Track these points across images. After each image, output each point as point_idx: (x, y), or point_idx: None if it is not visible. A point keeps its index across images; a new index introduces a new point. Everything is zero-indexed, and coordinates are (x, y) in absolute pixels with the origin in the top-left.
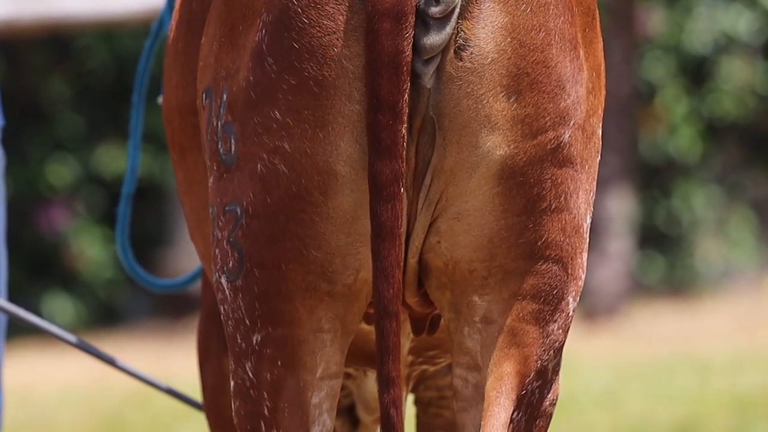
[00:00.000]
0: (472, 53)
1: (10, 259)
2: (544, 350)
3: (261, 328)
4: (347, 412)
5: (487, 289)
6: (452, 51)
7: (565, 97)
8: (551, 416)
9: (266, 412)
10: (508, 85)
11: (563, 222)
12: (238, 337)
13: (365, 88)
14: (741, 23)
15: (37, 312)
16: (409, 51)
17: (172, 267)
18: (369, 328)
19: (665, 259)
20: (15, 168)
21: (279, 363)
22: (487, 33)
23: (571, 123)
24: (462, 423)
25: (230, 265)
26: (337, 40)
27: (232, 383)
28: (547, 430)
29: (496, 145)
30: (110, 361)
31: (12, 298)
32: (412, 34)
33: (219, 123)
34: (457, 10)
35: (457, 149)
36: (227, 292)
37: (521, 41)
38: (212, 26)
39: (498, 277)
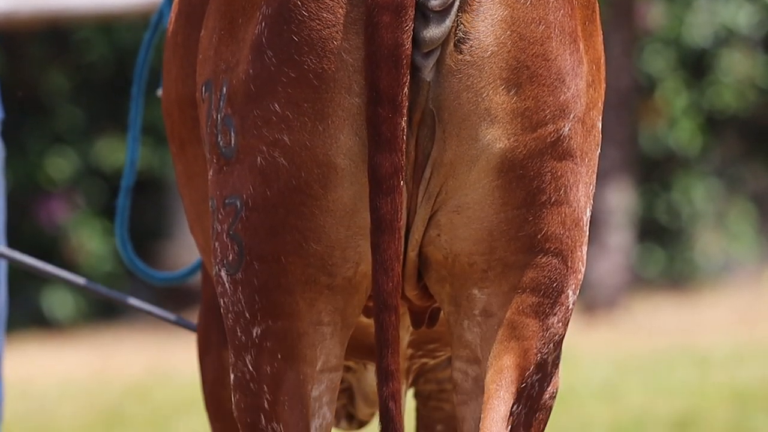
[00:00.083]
0: (471, 46)
1: None
2: (543, 343)
3: (261, 321)
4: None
5: (486, 282)
6: (452, 44)
7: (565, 90)
8: (551, 409)
9: (266, 405)
10: (507, 78)
11: (563, 215)
12: (238, 330)
13: (365, 81)
14: (741, 16)
15: (36, 305)
16: (408, 44)
17: (171, 260)
18: (369, 321)
19: (665, 252)
20: (14, 161)
21: (279, 356)
22: (486, 26)
23: (571, 116)
24: (462, 416)
25: (230, 258)
26: (337, 32)
27: (232, 376)
28: (546, 423)
29: (496, 138)
30: (122, 299)
31: (12, 290)
32: (411, 27)
33: (219, 116)
34: (457, 3)
35: (457, 142)
36: (227, 285)
37: (521, 34)
38: (212, 19)
39: (498, 270)
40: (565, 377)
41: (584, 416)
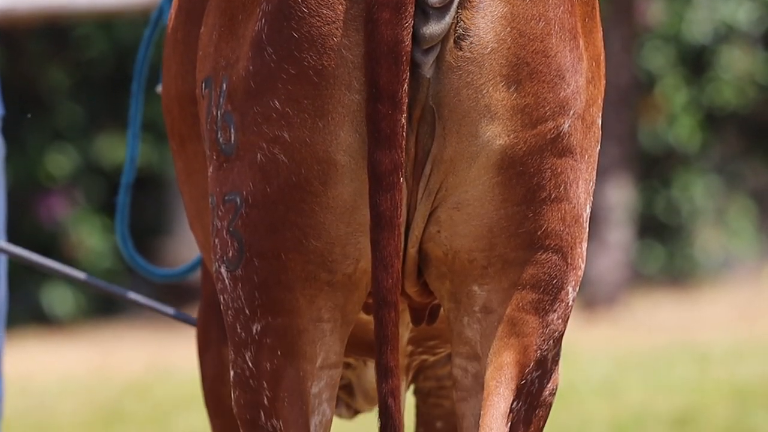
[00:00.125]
0: (471, 43)
1: None
2: (543, 340)
3: (261, 318)
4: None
5: (486, 279)
6: (452, 41)
7: (565, 86)
8: (551, 406)
9: (266, 401)
10: (507, 74)
11: (563, 212)
12: (238, 327)
13: (365, 77)
14: (741, 13)
15: (36, 302)
16: (408, 41)
17: (171, 256)
18: (369, 318)
19: (665, 248)
20: (14, 157)
21: (279, 353)
22: (486, 23)
23: (571, 113)
24: (461, 413)
25: (230, 254)
26: (337, 29)
27: (231, 373)
28: (546, 419)
29: (496, 134)
30: (122, 294)
31: (11, 286)
32: (411, 24)
33: (218, 112)
34: (457, 0)
35: (457, 139)
36: (227, 281)
37: (521, 31)
38: (212, 15)
39: (498, 266)
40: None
41: (584, 413)
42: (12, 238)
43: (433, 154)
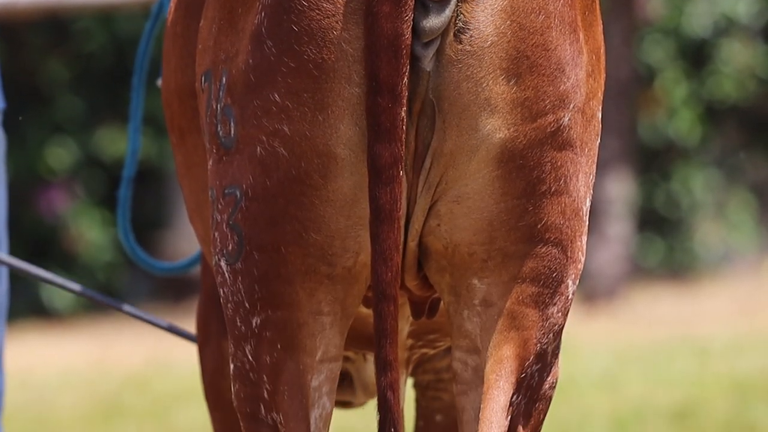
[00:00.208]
0: (471, 36)
1: (9, 242)
2: (543, 333)
3: (261, 311)
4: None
5: (486, 272)
6: (452, 34)
7: (565, 80)
8: (551, 399)
9: (266, 394)
10: (507, 68)
11: (563, 205)
12: (238, 320)
13: (365, 71)
14: (741, 6)
15: (36, 294)
16: (408, 34)
17: (171, 250)
18: (368, 312)
19: (664, 242)
20: (14, 151)
21: (279, 346)
22: (486, 16)
23: (571, 106)
24: (461, 406)
25: (230, 248)
26: (337, 22)
27: (231, 366)
28: (546, 413)
29: (496, 128)
30: (116, 306)
31: (11, 280)
32: (411, 17)
33: (218, 106)
34: None
35: (457, 132)
36: (227, 275)
37: (521, 24)
38: (211, 9)
39: (497, 260)
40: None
41: (584, 406)
42: (12, 231)
43: (433, 147)
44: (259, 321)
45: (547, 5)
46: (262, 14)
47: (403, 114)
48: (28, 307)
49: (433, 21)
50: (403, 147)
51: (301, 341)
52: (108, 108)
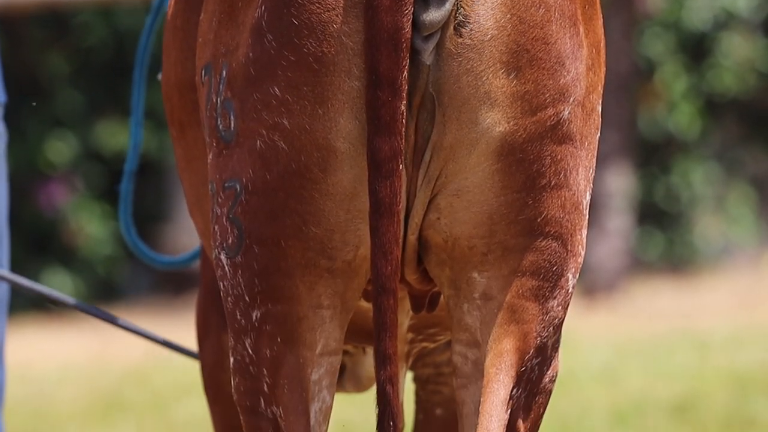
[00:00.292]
0: (471, 30)
1: (9, 236)
2: (543, 327)
3: (260, 305)
4: None
5: (486, 266)
6: (452, 27)
7: (565, 73)
8: (551, 393)
9: (266, 388)
10: (507, 61)
11: (563, 198)
12: (238, 314)
13: (365, 64)
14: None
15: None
16: (408, 27)
17: (171, 243)
18: (368, 306)
19: (664, 235)
20: (14, 144)
21: (278, 339)
22: (486, 9)
23: (571, 100)
24: (461, 399)
25: (230, 241)
26: (337, 16)
27: (231, 360)
28: (546, 406)
29: (496, 121)
30: (112, 320)
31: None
32: (411, 11)
33: (218, 99)
34: None
35: (457, 126)
36: (227, 268)
37: (521, 17)
38: (211, 2)
39: (497, 253)
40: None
41: (584, 400)
42: (12, 225)
43: (433, 140)
44: (259, 314)
45: None
46: (263, 7)
47: (402, 107)
48: (28, 301)
49: (433, 14)
50: (403, 140)
51: (301, 335)
52: (108, 102)
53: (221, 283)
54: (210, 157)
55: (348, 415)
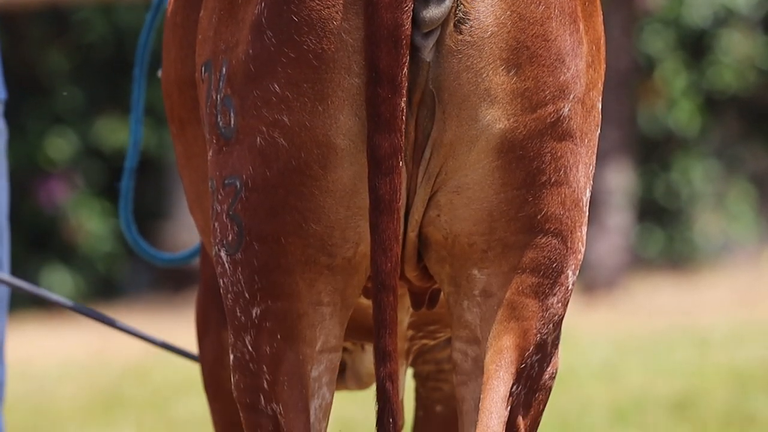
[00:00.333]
0: (471, 26)
1: (9, 233)
2: (543, 324)
3: (260, 302)
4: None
5: (486, 263)
6: (452, 24)
7: (565, 70)
8: (551, 389)
9: (266, 385)
10: (507, 58)
11: (563, 195)
12: (238, 311)
13: (364, 61)
14: None
15: (36, 285)
16: (408, 24)
17: (171, 240)
18: (368, 303)
19: (664, 232)
20: (14, 141)
21: (278, 336)
22: (486, 6)
23: (571, 96)
24: (461, 396)
25: (230, 238)
26: (337, 13)
27: (231, 356)
28: (546, 403)
29: (496, 118)
30: (110, 323)
31: (11, 271)
32: (411, 8)
33: (218, 96)
34: None
35: (457, 123)
36: (227, 265)
37: (521, 14)
38: None
39: (497, 250)
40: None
41: (584, 397)
42: (12, 222)
43: (433, 137)
44: (258, 311)
45: None
46: (262, 4)
47: (402, 104)
48: (29, 298)
49: (433, 11)
50: (403, 137)
51: (300, 332)
52: (108, 99)
53: (221, 280)
54: (210, 154)
55: (348, 413)
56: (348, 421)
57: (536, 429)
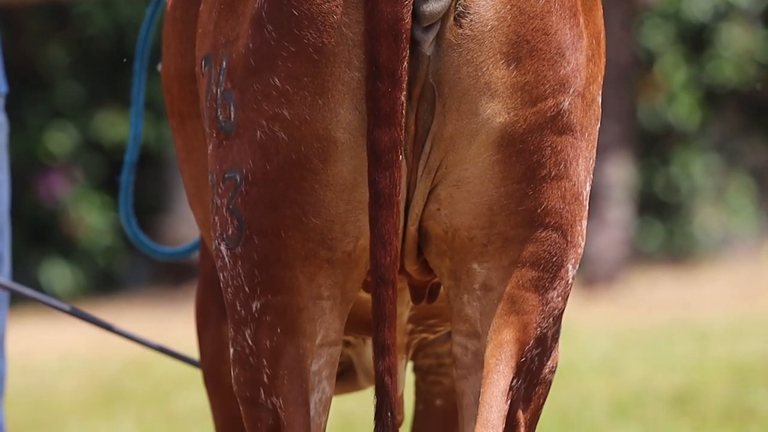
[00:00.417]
0: (471, 20)
1: (10, 227)
2: (543, 318)
3: (260, 296)
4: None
5: (486, 257)
6: (452, 18)
7: (565, 64)
8: (551, 383)
9: (266, 379)
10: (507, 52)
11: (563, 189)
12: (238, 305)
13: (365, 55)
14: None
15: (35, 279)
16: (408, 18)
17: (170, 234)
18: (368, 296)
19: (664, 226)
20: (14, 135)
21: (278, 330)
22: (486, 0)
23: (571, 90)
24: (461, 390)
25: (230, 232)
26: (337, 7)
27: (231, 350)
28: (546, 397)
29: (496, 112)
30: (108, 327)
31: (12, 265)
32: (411, 2)
33: (218, 90)
34: None
35: (457, 116)
36: (227, 259)
37: (521, 8)
38: None
39: (497, 244)
40: (564, 352)
41: (584, 391)
42: (12, 216)
43: (433, 131)
44: (258, 305)
45: None
46: None
47: (402, 98)
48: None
49: (433, 5)
50: (403, 131)
51: (300, 326)
52: (108, 92)
53: (221, 274)
54: (210, 148)
55: (348, 407)
56: (347, 415)
57: (536, 423)
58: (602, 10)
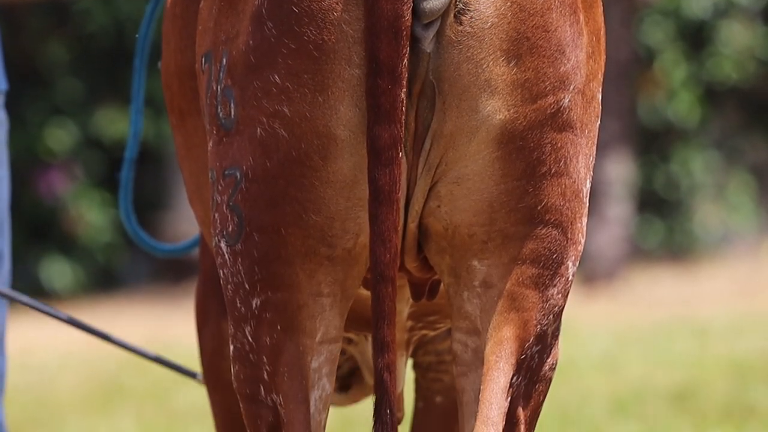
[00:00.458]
0: (472, 17)
1: (10, 224)
2: (543, 315)
3: (260, 293)
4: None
5: (486, 254)
6: (452, 15)
7: (565, 61)
8: (551, 380)
9: (266, 376)
10: (507, 49)
11: (563, 186)
12: (238, 302)
13: (365, 52)
14: None
15: (35, 276)
16: (408, 15)
17: (170, 231)
18: (368, 293)
19: (664, 223)
20: (14, 132)
21: (278, 327)
22: None
23: (571, 87)
24: (461, 387)
25: (230, 229)
26: (337, 4)
27: (231, 347)
28: (546, 394)
29: (496, 109)
30: (104, 336)
31: (12, 262)
32: None
33: (218, 87)
34: None
35: (457, 113)
36: (227, 256)
37: (521, 5)
38: None
39: (497, 241)
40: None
41: (583, 388)
42: (12, 213)
43: (433, 128)
44: (258, 302)
45: None
46: None
47: (402, 95)
48: (28, 288)
49: (434, 2)
50: (403, 128)
51: (301, 322)
52: (108, 89)
53: (221, 271)
54: (210, 144)
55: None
56: (347, 411)
57: (536, 420)
58: (602, 7)
